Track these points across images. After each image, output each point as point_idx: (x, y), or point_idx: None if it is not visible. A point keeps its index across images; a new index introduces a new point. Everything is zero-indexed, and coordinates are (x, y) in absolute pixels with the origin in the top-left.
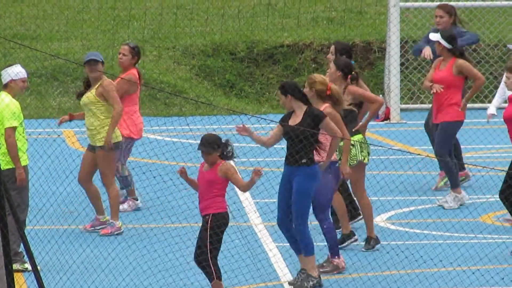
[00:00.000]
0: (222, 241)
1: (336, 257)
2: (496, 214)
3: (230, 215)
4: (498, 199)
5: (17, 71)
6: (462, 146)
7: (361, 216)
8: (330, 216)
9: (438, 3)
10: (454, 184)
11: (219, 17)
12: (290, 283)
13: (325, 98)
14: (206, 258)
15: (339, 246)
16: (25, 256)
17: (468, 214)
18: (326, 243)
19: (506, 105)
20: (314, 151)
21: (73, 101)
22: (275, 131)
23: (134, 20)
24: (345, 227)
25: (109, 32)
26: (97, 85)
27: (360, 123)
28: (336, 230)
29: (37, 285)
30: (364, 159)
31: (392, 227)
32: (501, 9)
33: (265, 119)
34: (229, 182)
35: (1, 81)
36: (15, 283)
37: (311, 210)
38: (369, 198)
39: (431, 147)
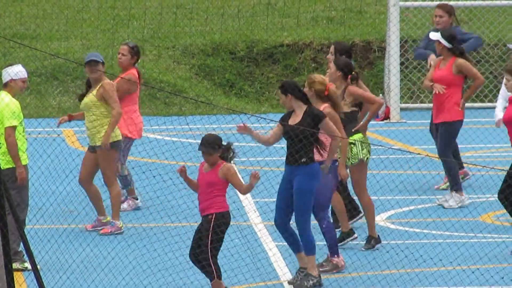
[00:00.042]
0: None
1: (336, 256)
2: (495, 213)
3: (230, 214)
4: (498, 199)
5: (17, 71)
6: (461, 146)
7: (361, 216)
8: (329, 215)
9: (437, 2)
10: (456, 187)
11: (219, 16)
12: (289, 282)
13: (324, 98)
14: (207, 257)
15: (338, 245)
16: (25, 255)
17: (467, 214)
18: (325, 243)
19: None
20: (315, 150)
21: (72, 100)
22: (275, 130)
23: (134, 20)
24: (345, 226)
25: (109, 32)
26: (97, 87)
27: (360, 124)
28: (336, 230)
29: (36, 284)
30: (365, 157)
31: (392, 226)
32: (501, 9)
33: (264, 119)
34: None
35: (1, 80)
36: (15, 282)
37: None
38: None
39: (431, 147)
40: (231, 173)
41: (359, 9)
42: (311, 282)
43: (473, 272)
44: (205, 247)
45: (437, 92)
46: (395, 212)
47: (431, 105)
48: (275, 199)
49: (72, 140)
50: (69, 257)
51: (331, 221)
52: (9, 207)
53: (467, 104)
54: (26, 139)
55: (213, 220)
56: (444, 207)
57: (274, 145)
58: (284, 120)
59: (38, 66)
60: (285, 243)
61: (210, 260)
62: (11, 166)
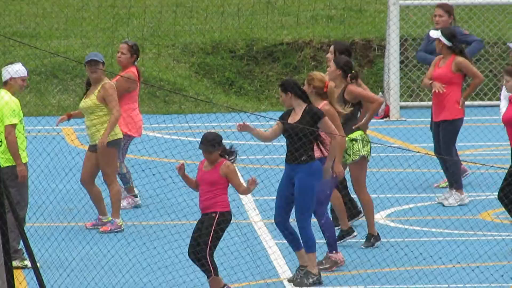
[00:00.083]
0: (221, 239)
1: (334, 252)
2: (495, 211)
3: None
4: (498, 198)
5: (16, 69)
6: (461, 144)
7: (361, 215)
8: (328, 212)
9: (437, 1)
10: (457, 185)
11: (219, 15)
12: (289, 280)
13: (323, 95)
14: (205, 255)
15: (338, 243)
16: (25, 253)
17: (467, 212)
18: (324, 240)
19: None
20: (316, 147)
21: (72, 98)
22: (274, 127)
23: (134, 18)
24: (344, 224)
25: (109, 30)
26: (98, 88)
27: (361, 122)
28: (336, 228)
29: (36, 282)
30: (367, 154)
31: (392, 224)
32: (501, 7)
33: (264, 117)
34: None
35: (1, 78)
36: (15, 280)
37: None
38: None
39: (431, 145)
40: (231, 171)
41: (359, 7)
42: (311, 280)
43: (472, 270)
44: (204, 245)
45: (435, 90)
46: (395, 210)
47: (430, 103)
48: (274, 197)
49: (72, 138)
50: (69, 255)
51: (330, 217)
52: (9, 205)
53: (466, 102)
54: (26, 137)
55: (216, 218)
56: (444, 205)
57: (274, 144)
58: (283, 118)
59: (38, 64)
60: (285, 241)
61: (208, 257)
62: (10, 164)
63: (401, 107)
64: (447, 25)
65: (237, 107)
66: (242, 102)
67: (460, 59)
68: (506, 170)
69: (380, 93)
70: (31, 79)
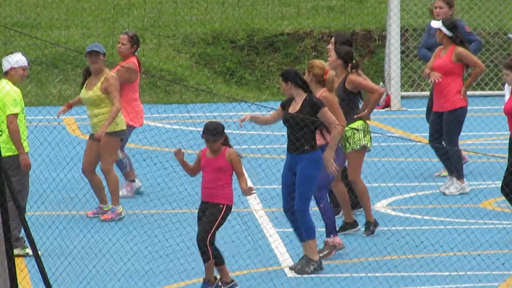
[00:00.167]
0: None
1: (332, 235)
2: (496, 200)
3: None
4: (499, 185)
5: (17, 59)
6: (463, 133)
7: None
8: (327, 196)
9: None
10: (458, 174)
11: (219, 5)
12: (290, 268)
13: (323, 83)
14: (206, 242)
15: (339, 233)
16: (26, 241)
17: (468, 200)
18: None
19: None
20: (319, 136)
21: (73, 88)
22: (275, 112)
23: (134, 9)
24: (349, 216)
25: (109, 21)
26: (101, 79)
27: (362, 113)
28: (336, 216)
29: (38, 270)
30: (367, 144)
31: (393, 213)
32: None
33: (265, 107)
34: None
35: (2, 69)
36: (16, 267)
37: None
38: (370, 184)
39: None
40: (235, 157)
41: None
42: (312, 267)
43: (474, 258)
44: (205, 234)
45: (432, 80)
46: (396, 199)
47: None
48: (275, 186)
49: (73, 128)
50: (70, 243)
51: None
52: (10, 194)
53: (468, 92)
54: (27, 127)
55: (223, 211)
56: (445, 194)
57: (275, 133)
58: (284, 106)
59: (39, 54)
60: (286, 229)
61: (208, 244)
62: (12, 154)
63: (402, 97)
64: (447, 17)
65: (238, 97)
66: (243, 92)
67: (460, 49)
68: (507, 160)
69: (381, 83)
70: (32, 69)
